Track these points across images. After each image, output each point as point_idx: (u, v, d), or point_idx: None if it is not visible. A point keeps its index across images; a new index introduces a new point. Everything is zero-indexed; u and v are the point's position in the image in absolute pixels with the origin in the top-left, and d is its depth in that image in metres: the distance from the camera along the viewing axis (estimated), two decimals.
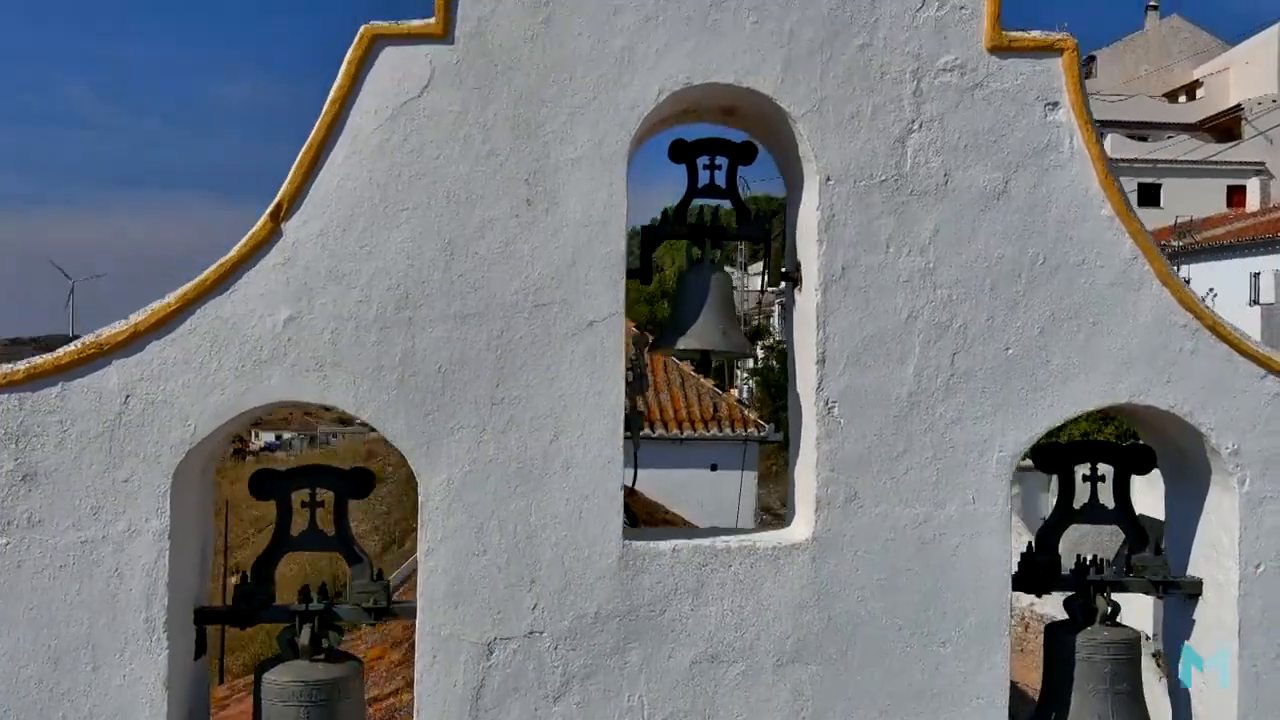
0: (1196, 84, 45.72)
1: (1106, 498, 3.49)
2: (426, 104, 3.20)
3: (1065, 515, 3.49)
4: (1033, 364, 3.26)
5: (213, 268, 3.17)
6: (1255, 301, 21.20)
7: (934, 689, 3.24)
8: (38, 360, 3.13)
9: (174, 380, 3.14)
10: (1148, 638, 8.48)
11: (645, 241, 3.45)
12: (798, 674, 3.22)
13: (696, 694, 3.21)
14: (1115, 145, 40.95)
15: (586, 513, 3.19)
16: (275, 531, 3.35)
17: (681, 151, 3.48)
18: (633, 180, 3.26)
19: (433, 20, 3.20)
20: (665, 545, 3.23)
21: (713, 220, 3.47)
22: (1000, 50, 3.27)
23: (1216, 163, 40.12)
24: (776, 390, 33.78)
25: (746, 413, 15.92)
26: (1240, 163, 40.08)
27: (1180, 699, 3.52)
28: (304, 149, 3.19)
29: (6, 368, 3.13)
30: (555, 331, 3.19)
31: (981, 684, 3.24)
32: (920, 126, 3.26)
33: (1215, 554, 3.38)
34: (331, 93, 3.20)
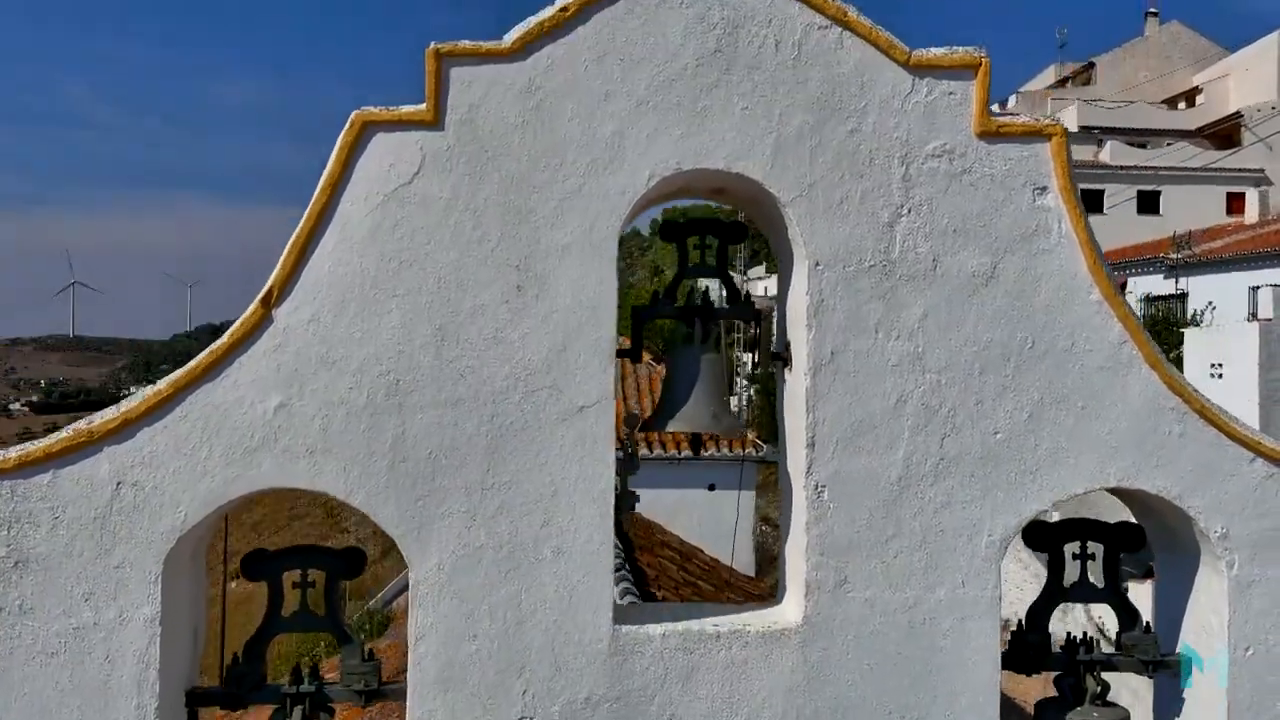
0: (1196, 90, 45.71)
1: (1096, 576, 3.50)
2: (417, 190, 3.21)
3: (1055, 594, 3.50)
4: (1022, 448, 3.27)
5: (204, 354, 3.19)
6: (1254, 316, 21.22)
7: None
8: (29, 448, 3.15)
9: (165, 467, 3.15)
10: None
11: (635, 321, 3.46)
12: None
13: None
14: (1115, 152, 40.99)
15: (577, 598, 3.20)
16: (266, 612, 3.36)
17: (672, 231, 3.49)
18: None
19: (423, 107, 3.21)
20: (655, 630, 3.24)
21: (703, 300, 3.48)
22: (989, 136, 3.28)
23: (1216, 170, 40.12)
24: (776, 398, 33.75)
25: (744, 434, 15.91)
26: (1240, 170, 40.06)
27: None
28: (295, 234, 3.21)
29: None
30: (545, 417, 3.20)
31: None
32: (909, 211, 3.27)
33: (1205, 634, 3.39)
34: (322, 178, 3.21)
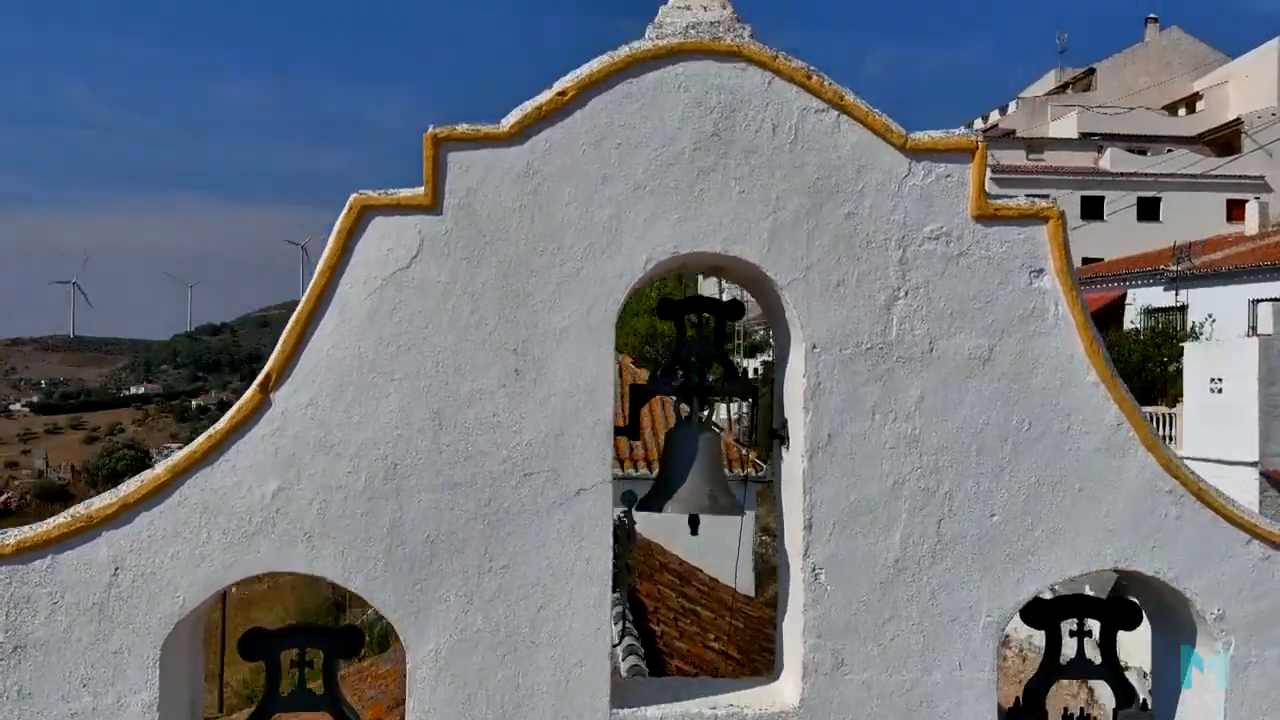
0: (1196, 96, 45.70)
1: (1093, 653, 3.50)
2: (415, 274, 3.22)
3: (1052, 671, 3.50)
4: (1019, 530, 3.28)
5: (202, 439, 3.19)
6: (1253, 329, 21.19)
7: None
8: (28, 533, 3.15)
9: (163, 552, 3.16)
10: None
11: (633, 399, 3.47)
12: None
13: None
14: (1115, 159, 41.00)
15: (574, 682, 3.21)
16: (264, 692, 3.37)
17: (669, 309, 3.50)
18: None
19: (421, 191, 3.22)
20: (653, 713, 3.25)
21: (700, 378, 3.49)
22: (985, 218, 3.29)
23: (1216, 177, 40.11)
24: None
25: (744, 452, 15.92)
26: (1240, 177, 40.05)
27: None
28: (293, 319, 3.21)
29: None
30: (543, 500, 3.21)
31: None
32: (905, 294, 3.28)
33: (1202, 714, 3.39)
34: (321, 262, 3.22)
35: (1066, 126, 43.52)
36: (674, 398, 3.50)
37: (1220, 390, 18.50)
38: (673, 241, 3.25)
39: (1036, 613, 3.49)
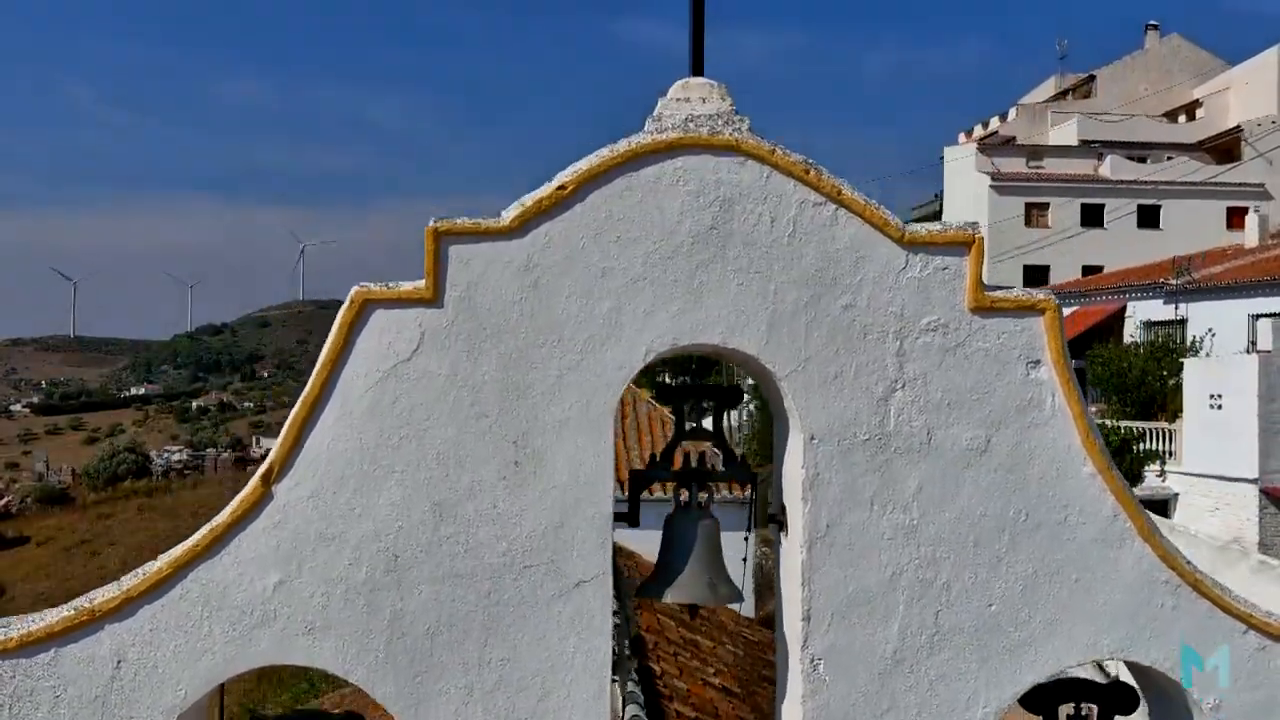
0: (1196, 104, 45.70)
1: None
2: (416, 367, 3.24)
3: None
4: (1016, 620, 3.30)
5: (203, 532, 3.21)
6: (1253, 344, 21.20)
7: None
8: (31, 627, 3.17)
9: (165, 645, 3.18)
10: None
11: (633, 484, 3.49)
12: None
13: None
14: (1115, 167, 41.00)
15: None
16: None
17: (668, 395, 3.51)
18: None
19: (422, 284, 3.24)
20: None
21: (699, 464, 3.51)
22: (982, 310, 3.31)
23: (1216, 185, 40.13)
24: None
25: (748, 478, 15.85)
26: (1240, 184, 40.07)
27: None
28: (295, 410, 3.23)
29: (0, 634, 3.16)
30: (543, 593, 3.23)
31: None
32: (903, 385, 3.30)
33: None
34: (323, 354, 3.24)
35: (1066, 134, 43.53)
36: (673, 483, 3.51)
37: (1220, 406, 18.52)
38: (672, 333, 3.27)
39: (1035, 697, 3.51)
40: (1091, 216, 39.59)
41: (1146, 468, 19.43)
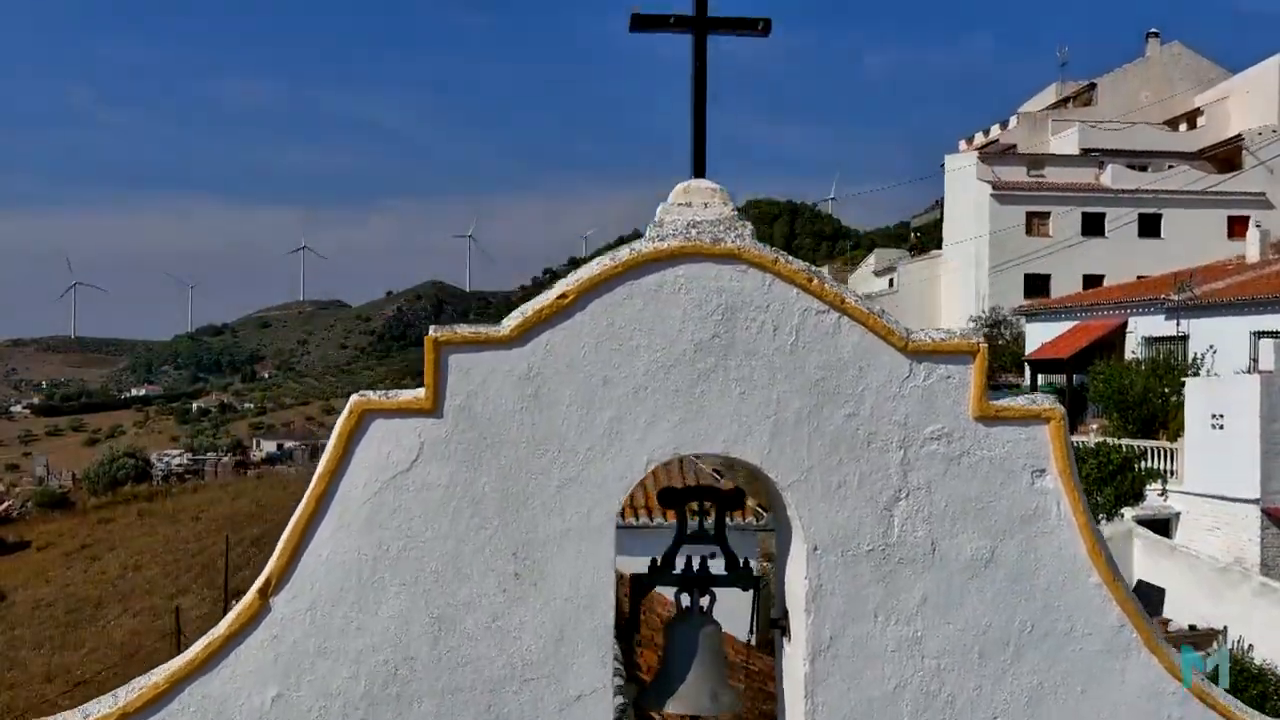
0: (1197, 112, 45.62)
1: None
2: (416, 477, 3.21)
3: None
4: None
5: (200, 645, 3.19)
6: (1254, 362, 21.15)
7: None
8: None
9: None
10: None
11: (634, 590, 3.46)
12: None
13: None
14: (1116, 176, 40.97)
15: None
16: None
17: (670, 499, 3.49)
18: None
19: (422, 394, 3.21)
20: None
21: (701, 568, 3.48)
22: (987, 419, 3.28)
23: (1217, 193, 40.09)
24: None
25: (748, 502, 15.90)
26: (1241, 193, 40.03)
27: None
28: (294, 521, 3.21)
29: None
30: (543, 707, 3.20)
31: None
32: (907, 495, 3.27)
33: None
34: (321, 465, 3.21)
35: (1067, 142, 43.47)
36: (674, 589, 3.48)
37: (1221, 426, 18.49)
38: (673, 443, 3.24)
39: None
40: (1092, 225, 39.55)
41: (1148, 486, 19.40)
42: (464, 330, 3.23)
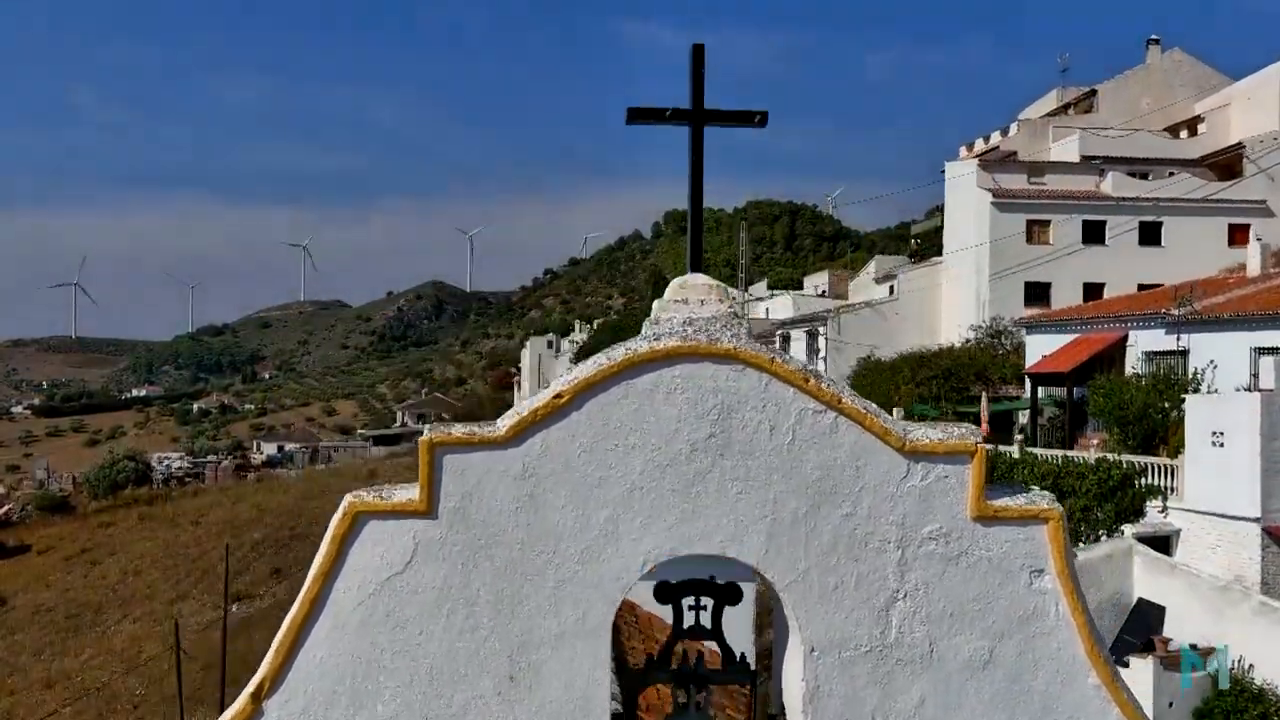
0: (1198, 119, 45.51)
1: None
2: (410, 579, 3.19)
3: None
4: None
5: None
6: (1254, 378, 21.09)
7: None
8: None
9: None
10: None
11: (627, 691, 3.44)
12: None
13: None
14: (1116, 184, 40.86)
15: None
16: None
17: (667, 593, 3.47)
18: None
19: (416, 496, 3.19)
20: None
21: (698, 664, 3.46)
22: (985, 519, 3.26)
23: (1218, 201, 39.98)
24: None
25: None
26: (1242, 201, 39.93)
27: None
28: (287, 623, 3.19)
29: None
30: None
31: None
32: (905, 596, 3.25)
33: None
34: (314, 566, 3.19)
35: (1068, 149, 43.34)
36: (670, 684, 3.46)
37: (1222, 444, 18.44)
38: (669, 543, 3.22)
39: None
40: (1093, 233, 39.42)
41: (1148, 503, 19.35)
42: (459, 431, 3.20)
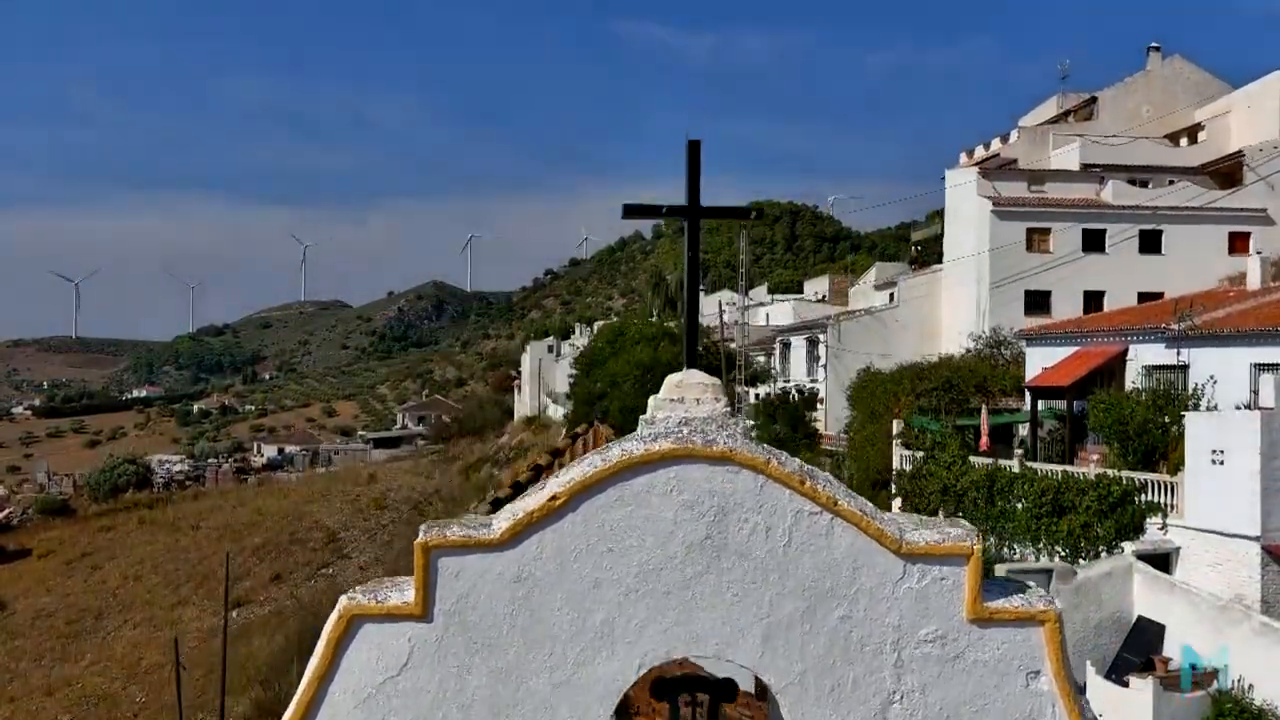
0: (1198, 126, 45.50)
1: None
2: (405, 683, 3.18)
3: None
4: None
5: None
6: (1254, 394, 21.07)
7: None
8: None
9: None
10: None
11: None
12: None
13: None
14: (1116, 192, 40.89)
15: None
16: None
17: (663, 689, 3.46)
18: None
19: (411, 599, 3.18)
20: None
21: None
22: (982, 621, 3.25)
23: (1218, 210, 39.98)
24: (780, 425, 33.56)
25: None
26: (1242, 209, 39.93)
27: None
28: None
29: None
30: None
31: None
32: (901, 697, 3.24)
33: None
34: (309, 671, 3.18)
35: (1068, 157, 43.34)
36: None
37: (1222, 462, 18.44)
38: (665, 646, 3.21)
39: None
40: (1093, 241, 39.42)
41: (1148, 520, 19.35)
42: (454, 534, 3.20)
